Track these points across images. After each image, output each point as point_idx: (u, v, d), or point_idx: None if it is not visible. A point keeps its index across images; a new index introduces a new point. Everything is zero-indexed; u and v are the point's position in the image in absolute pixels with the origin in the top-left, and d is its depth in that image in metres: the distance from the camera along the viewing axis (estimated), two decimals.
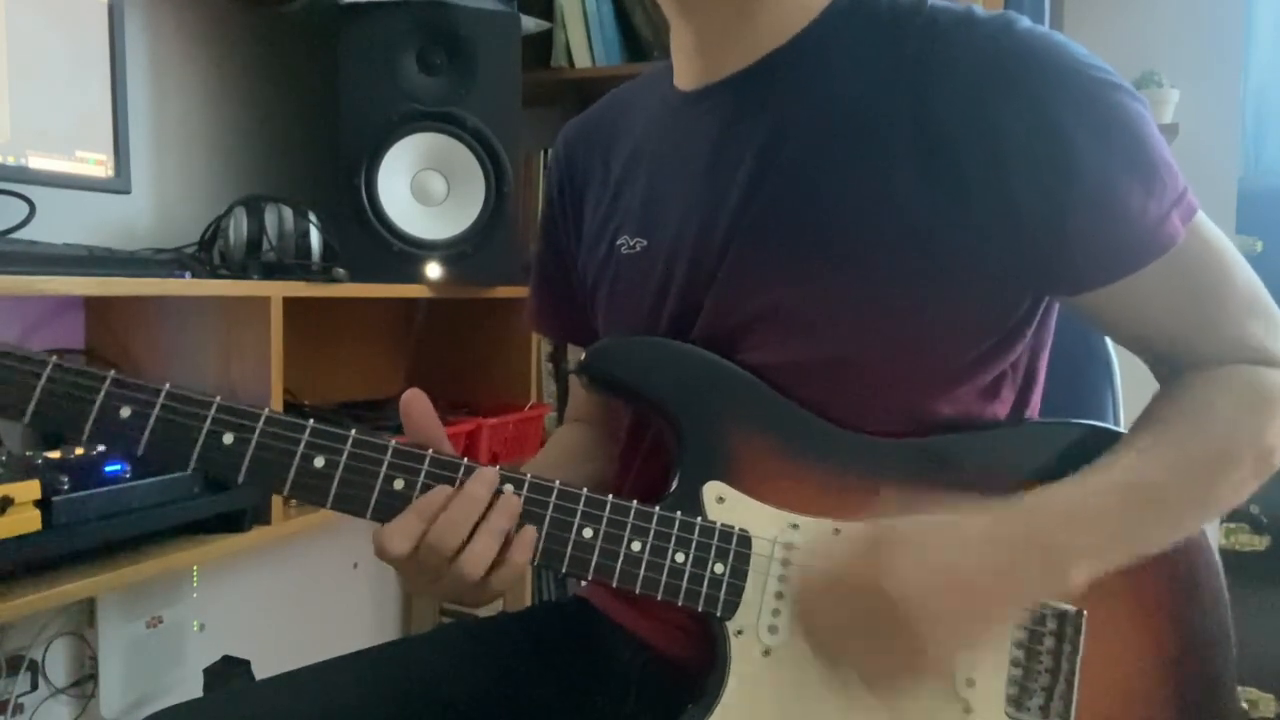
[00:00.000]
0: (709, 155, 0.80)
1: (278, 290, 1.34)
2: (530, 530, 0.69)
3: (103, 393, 0.66)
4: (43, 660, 1.43)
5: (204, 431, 0.67)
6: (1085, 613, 0.73)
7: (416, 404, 0.71)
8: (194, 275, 1.31)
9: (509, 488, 0.69)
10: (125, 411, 0.66)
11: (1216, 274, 0.74)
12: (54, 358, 0.65)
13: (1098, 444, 0.76)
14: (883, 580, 0.64)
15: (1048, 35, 0.71)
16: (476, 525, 0.68)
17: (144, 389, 0.66)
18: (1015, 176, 0.69)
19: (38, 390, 0.65)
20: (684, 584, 0.71)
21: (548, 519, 0.70)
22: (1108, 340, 1.03)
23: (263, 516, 1.33)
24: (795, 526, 0.73)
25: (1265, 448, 0.73)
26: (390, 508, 0.68)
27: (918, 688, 0.70)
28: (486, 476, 0.69)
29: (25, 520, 1.03)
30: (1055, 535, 0.68)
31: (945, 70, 0.71)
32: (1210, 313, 0.74)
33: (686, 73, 0.84)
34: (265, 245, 1.44)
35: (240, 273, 1.42)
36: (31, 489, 1.03)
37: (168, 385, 0.67)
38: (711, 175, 0.80)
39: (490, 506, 0.68)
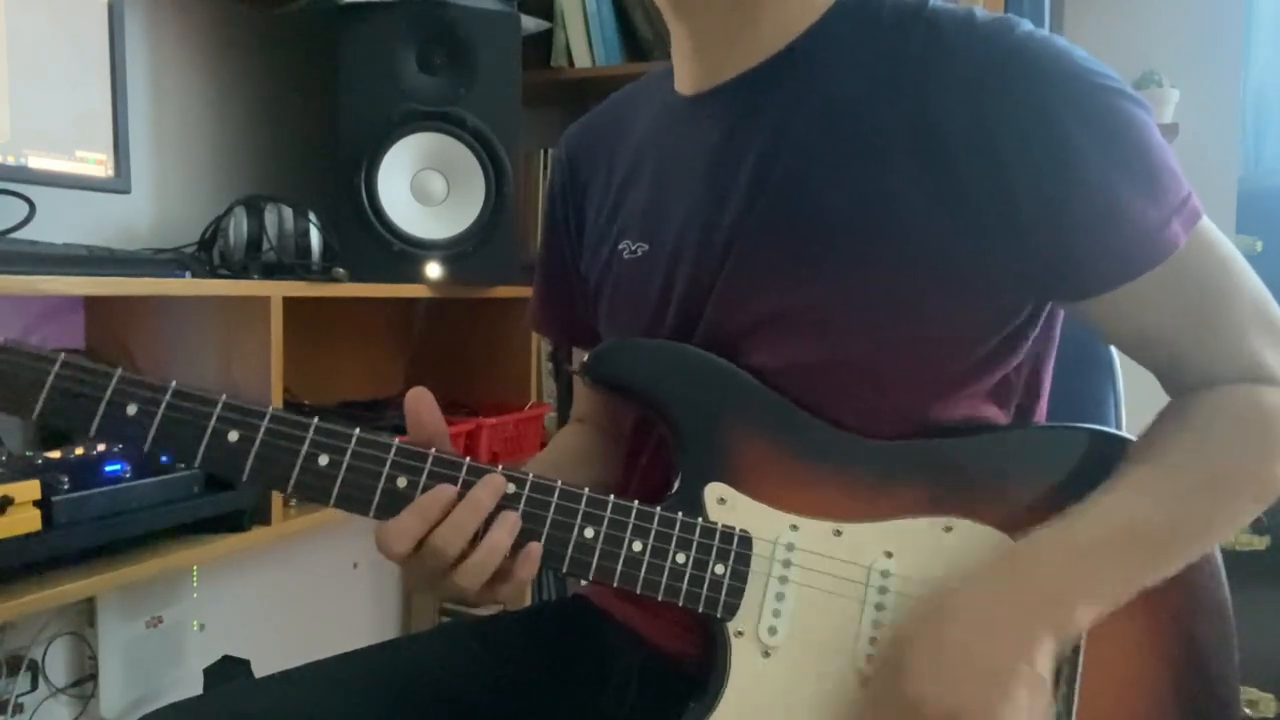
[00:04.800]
0: (710, 159, 0.80)
1: (278, 290, 1.34)
2: (534, 547, 0.69)
3: (110, 390, 0.66)
4: (43, 660, 1.43)
5: (209, 429, 0.67)
6: None
7: (423, 402, 0.72)
8: (194, 275, 1.31)
9: (508, 512, 0.69)
10: (132, 409, 0.66)
11: (1220, 282, 0.73)
12: (62, 355, 0.66)
13: (1100, 449, 0.76)
14: (907, 690, 0.66)
15: (1049, 39, 0.71)
16: (479, 533, 0.68)
17: (150, 386, 0.67)
18: (1015, 180, 0.69)
19: (46, 387, 0.65)
20: (684, 585, 0.71)
21: (549, 519, 0.70)
22: None
23: (263, 516, 1.33)
24: (795, 528, 0.73)
25: (1268, 478, 0.72)
26: (393, 507, 0.68)
27: None
28: (493, 483, 0.69)
29: (25, 520, 1.02)
30: (1061, 591, 0.68)
31: (946, 73, 0.71)
32: (1213, 321, 0.73)
33: (687, 77, 0.84)
34: (265, 245, 1.44)
35: (240, 273, 1.42)
36: (31, 489, 1.03)
37: (174, 383, 0.67)
38: (712, 179, 0.80)
39: (490, 519, 0.68)
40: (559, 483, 0.71)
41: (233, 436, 0.67)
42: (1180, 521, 0.71)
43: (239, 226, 1.44)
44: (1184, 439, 0.73)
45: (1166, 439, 0.74)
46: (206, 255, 1.46)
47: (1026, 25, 0.71)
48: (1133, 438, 0.77)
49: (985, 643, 0.66)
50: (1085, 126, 0.68)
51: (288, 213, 1.47)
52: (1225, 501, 0.72)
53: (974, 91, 0.70)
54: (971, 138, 0.70)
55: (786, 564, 0.72)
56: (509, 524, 0.69)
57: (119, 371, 0.66)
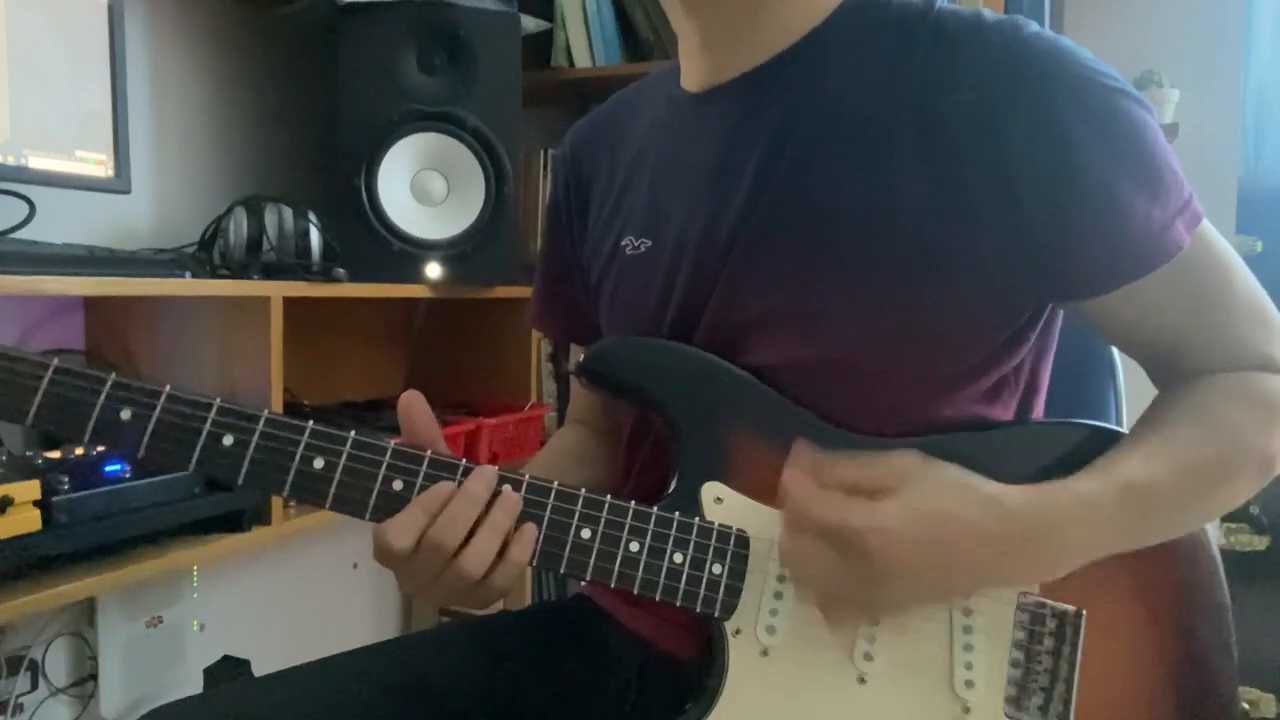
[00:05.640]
0: (714, 157, 0.80)
1: (278, 290, 1.34)
2: (530, 527, 0.69)
3: (104, 395, 0.66)
4: (43, 660, 1.43)
5: (204, 433, 0.67)
6: (1085, 613, 0.73)
7: (416, 406, 0.72)
8: (194, 275, 1.31)
9: (507, 487, 0.70)
10: (126, 414, 0.66)
11: (1221, 282, 0.73)
12: (55, 360, 0.66)
13: (1100, 444, 0.75)
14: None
15: (1055, 40, 0.71)
16: (477, 523, 0.68)
17: (144, 391, 0.67)
18: (1020, 180, 0.69)
19: (39, 393, 0.65)
20: (682, 584, 0.71)
21: (546, 520, 0.70)
22: None
23: (263, 516, 1.33)
24: None
25: (1268, 455, 0.72)
26: (389, 509, 0.68)
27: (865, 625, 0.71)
28: (485, 475, 0.69)
29: (25, 520, 1.03)
30: (1052, 528, 0.67)
31: (952, 73, 0.71)
32: (1214, 320, 0.74)
33: (692, 74, 0.84)
34: (265, 245, 1.44)
35: (240, 273, 1.43)
36: (31, 489, 1.03)
37: (168, 387, 0.67)
38: (716, 177, 0.80)
39: (490, 505, 0.68)
40: (555, 483, 0.71)
41: (227, 440, 0.67)
42: (1183, 491, 0.71)
43: (239, 226, 1.44)
44: (1189, 418, 0.73)
45: (1167, 413, 0.74)
46: (206, 255, 1.46)
47: (1033, 26, 0.71)
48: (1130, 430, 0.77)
49: (960, 548, 0.65)
50: (1089, 127, 0.68)
51: (288, 213, 1.47)
52: (1229, 478, 0.72)
53: (979, 92, 0.70)
54: (976, 137, 0.70)
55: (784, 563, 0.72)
56: (509, 504, 0.69)
57: (112, 376, 0.66)
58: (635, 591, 0.71)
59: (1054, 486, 0.68)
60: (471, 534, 0.68)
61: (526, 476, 0.71)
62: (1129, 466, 0.70)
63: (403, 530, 0.67)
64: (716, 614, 0.72)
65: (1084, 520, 0.68)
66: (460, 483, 0.69)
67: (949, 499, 0.65)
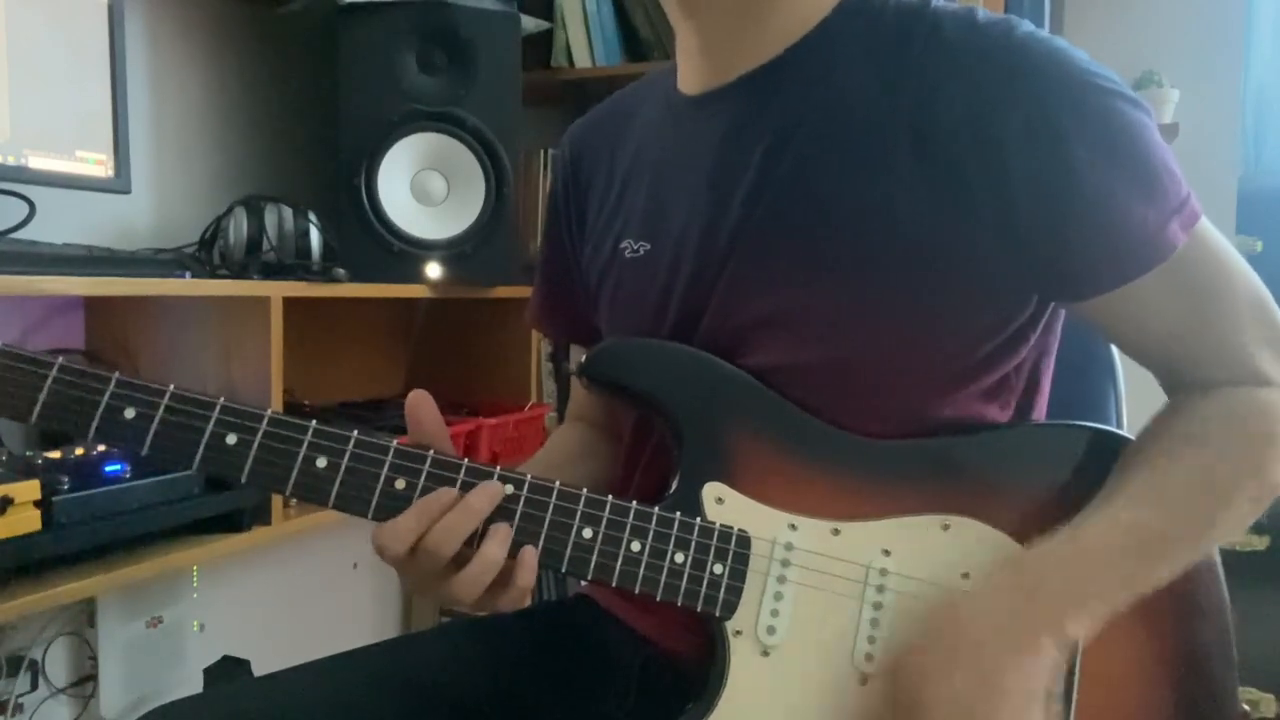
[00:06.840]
0: (713, 160, 0.80)
1: (278, 290, 1.34)
2: (530, 551, 0.69)
3: (108, 394, 0.66)
4: (43, 660, 1.43)
5: (207, 432, 0.67)
6: None
7: (423, 406, 0.72)
8: (194, 275, 1.31)
9: (504, 524, 0.69)
10: (130, 412, 0.66)
11: (1218, 282, 0.73)
12: (59, 359, 0.66)
13: (1099, 447, 0.76)
14: (920, 691, 0.66)
15: (1050, 41, 0.71)
16: (473, 538, 0.68)
17: (148, 390, 0.67)
18: (1015, 181, 0.69)
19: (44, 391, 0.65)
20: (683, 584, 0.71)
21: (547, 519, 0.70)
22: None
23: (263, 516, 1.33)
24: (794, 527, 0.73)
25: (1267, 482, 0.72)
26: (392, 508, 0.68)
27: None
28: (489, 491, 0.69)
29: (25, 520, 1.03)
30: (1068, 601, 0.68)
31: (947, 74, 0.71)
32: (1212, 321, 0.73)
33: (691, 76, 0.84)
34: (265, 245, 1.44)
35: (240, 273, 1.42)
36: (31, 489, 1.03)
37: (172, 386, 0.67)
38: (715, 180, 0.80)
39: (488, 523, 0.68)
40: (557, 483, 0.71)
41: (231, 439, 0.67)
42: (1183, 528, 0.71)
43: (239, 226, 1.44)
44: (1184, 444, 0.73)
45: (1166, 444, 0.74)
46: (206, 255, 1.46)
47: (1027, 26, 0.71)
48: (1130, 436, 0.77)
49: (999, 651, 0.66)
50: (1084, 128, 0.68)
51: (288, 213, 1.47)
52: (1226, 506, 0.72)
53: (974, 93, 0.70)
54: (971, 139, 0.70)
55: (785, 563, 0.72)
56: (501, 536, 0.68)
57: (116, 375, 0.66)
58: (636, 591, 0.71)
59: (1041, 551, 0.69)
60: (468, 552, 0.68)
61: (528, 476, 0.71)
62: (1126, 509, 0.70)
63: (399, 536, 0.67)
64: (717, 614, 0.72)
65: (1086, 575, 0.69)
66: (463, 484, 0.69)
67: (962, 656, 0.67)
